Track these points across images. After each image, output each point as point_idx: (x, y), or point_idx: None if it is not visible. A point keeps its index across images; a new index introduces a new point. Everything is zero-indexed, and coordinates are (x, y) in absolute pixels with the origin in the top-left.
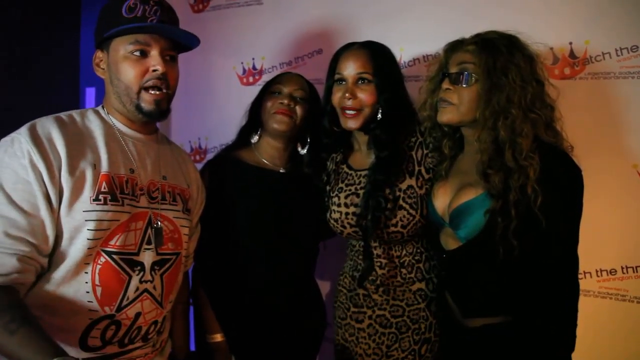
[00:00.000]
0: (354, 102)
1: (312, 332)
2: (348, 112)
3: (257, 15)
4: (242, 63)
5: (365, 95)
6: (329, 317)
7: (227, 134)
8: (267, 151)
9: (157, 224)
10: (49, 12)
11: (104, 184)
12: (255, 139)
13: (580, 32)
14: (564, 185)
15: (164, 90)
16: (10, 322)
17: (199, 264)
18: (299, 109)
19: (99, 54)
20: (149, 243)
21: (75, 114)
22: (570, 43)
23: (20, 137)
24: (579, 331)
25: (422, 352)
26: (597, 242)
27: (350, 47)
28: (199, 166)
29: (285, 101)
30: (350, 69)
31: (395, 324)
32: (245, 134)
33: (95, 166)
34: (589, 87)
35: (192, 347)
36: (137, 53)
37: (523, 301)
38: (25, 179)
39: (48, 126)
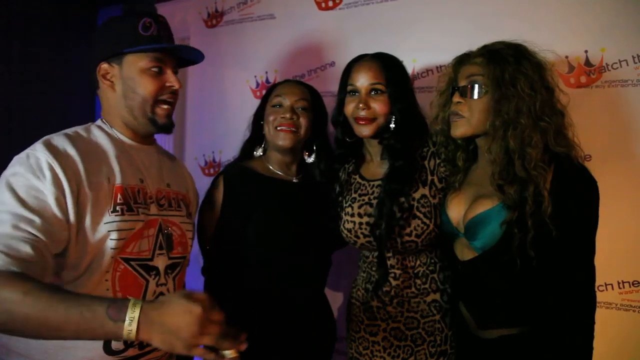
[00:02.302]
0: (368, 112)
1: (322, 345)
2: (361, 120)
3: (270, 29)
4: (255, 76)
5: (378, 106)
6: (340, 330)
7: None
8: (277, 162)
9: (168, 229)
10: (65, 18)
11: (119, 195)
12: (259, 152)
13: (596, 40)
14: (579, 196)
15: (174, 105)
16: (53, 293)
17: (211, 276)
18: (302, 120)
19: (106, 67)
20: (161, 248)
21: (80, 130)
22: (586, 51)
23: (37, 152)
24: (600, 345)
25: None
26: (619, 253)
27: (362, 59)
28: (212, 180)
29: (288, 115)
30: (362, 80)
31: (410, 337)
32: (249, 147)
33: (110, 179)
34: (605, 95)
35: None
36: (155, 69)
37: (539, 312)
38: (38, 188)
39: (62, 142)
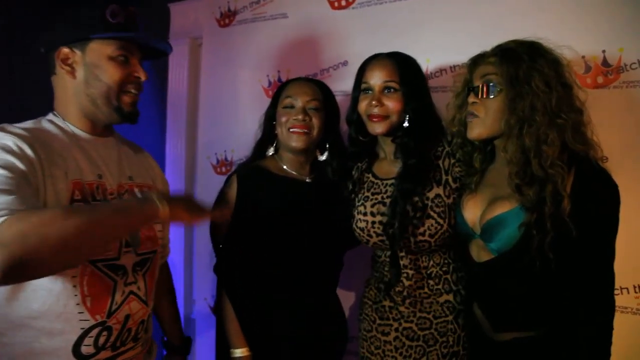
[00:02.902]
0: (381, 109)
1: (334, 345)
2: (375, 118)
3: (282, 29)
4: (267, 76)
5: (391, 103)
6: (352, 330)
7: (252, 146)
8: (290, 162)
9: None
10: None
11: (76, 191)
12: (271, 151)
13: (614, 40)
14: (599, 200)
15: (139, 95)
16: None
17: (223, 275)
18: (315, 121)
19: (67, 51)
20: (127, 246)
21: (29, 123)
22: (604, 51)
23: (2, 140)
24: (615, 349)
25: None
26: (635, 257)
27: (376, 57)
28: (224, 178)
29: (300, 117)
30: (376, 78)
31: (422, 337)
32: (262, 147)
33: (67, 174)
34: (623, 96)
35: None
36: (122, 58)
37: (556, 315)
38: (10, 160)
39: (17, 130)
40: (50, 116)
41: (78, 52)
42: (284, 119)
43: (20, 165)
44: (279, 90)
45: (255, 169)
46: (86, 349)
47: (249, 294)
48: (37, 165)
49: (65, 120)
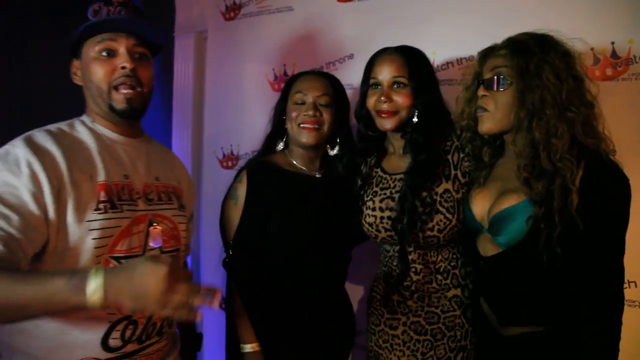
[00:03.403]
0: (390, 105)
1: (342, 339)
2: (384, 113)
3: (288, 22)
4: (273, 69)
5: (401, 99)
6: (360, 324)
7: (259, 140)
8: (300, 157)
9: (151, 224)
10: (66, 14)
11: (102, 193)
12: (280, 146)
13: (624, 32)
14: (608, 194)
15: (137, 89)
16: (12, 274)
17: (232, 269)
18: (325, 116)
19: (75, 63)
20: None
21: (63, 125)
22: (613, 43)
23: (16, 149)
24: (625, 344)
25: None
26: None
27: (384, 52)
28: (231, 173)
29: (311, 112)
30: (385, 73)
31: (430, 331)
32: (271, 141)
33: (92, 177)
34: (632, 88)
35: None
36: (105, 53)
37: (564, 310)
38: (14, 185)
39: (43, 139)
40: (83, 117)
41: (79, 61)
42: (294, 114)
43: (16, 183)
44: (289, 83)
45: (265, 164)
46: (114, 341)
47: (258, 289)
48: (51, 177)
49: (94, 122)
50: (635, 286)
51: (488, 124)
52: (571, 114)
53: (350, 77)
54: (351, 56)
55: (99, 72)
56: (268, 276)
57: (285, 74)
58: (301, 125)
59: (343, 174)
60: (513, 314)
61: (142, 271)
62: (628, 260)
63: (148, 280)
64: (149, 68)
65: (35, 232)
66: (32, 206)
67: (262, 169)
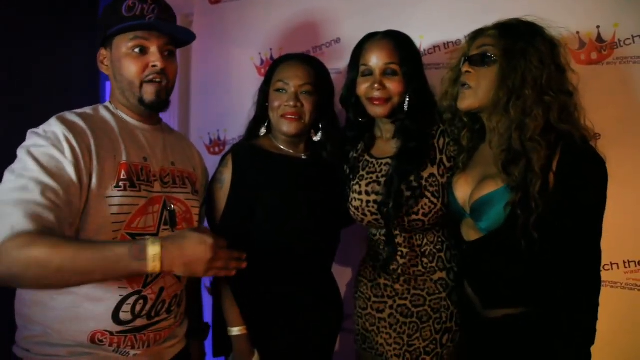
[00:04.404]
0: (383, 92)
1: (330, 323)
2: (376, 101)
3: (274, 6)
4: (259, 54)
5: (393, 86)
6: (347, 308)
7: (246, 125)
8: (284, 140)
9: (171, 206)
10: (68, 6)
11: (122, 172)
12: (263, 131)
13: (609, 15)
14: (584, 177)
15: (164, 83)
16: (78, 243)
17: None
18: (307, 106)
19: (103, 52)
20: (165, 224)
21: (88, 109)
22: (598, 27)
23: (52, 127)
24: (605, 324)
25: (444, 342)
26: (625, 233)
27: (373, 37)
28: (218, 159)
29: (292, 103)
30: (376, 59)
31: (416, 314)
32: (255, 126)
33: (115, 156)
34: (617, 72)
35: (210, 341)
36: (137, 50)
37: (543, 293)
38: (59, 159)
39: (74, 117)
40: (107, 103)
41: (109, 51)
42: (276, 104)
43: (60, 157)
44: (272, 68)
45: (250, 147)
46: (124, 315)
47: (246, 272)
48: (84, 151)
49: (117, 109)
50: (618, 267)
51: (469, 101)
52: (548, 98)
53: (338, 61)
54: (338, 40)
55: (132, 68)
56: (255, 259)
57: (271, 58)
58: (282, 116)
59: (329, 158)
60: (495, 297)
61: (194, 241)
62: (611, 242)
63: (199, 248)
64: (175, 63)
65: (76, 204)
66: (74, 178)
67: (247, 153)
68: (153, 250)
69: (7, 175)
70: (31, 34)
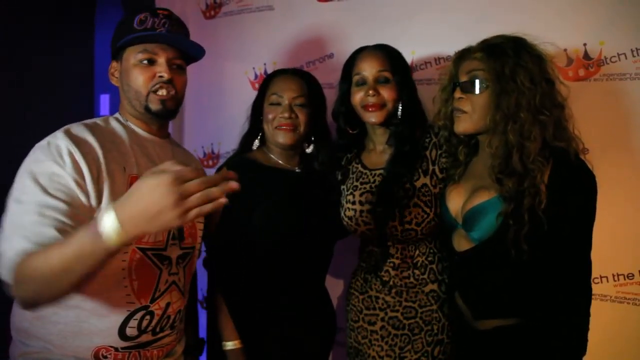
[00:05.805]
0: (377, 98)
1: (323, 336)
2: (371, 107)
3: (268, 21)
4: (253, 68)
5: (387, 92)
6: (339, 321)
7: (239, 138)
8: (278, 153)
9: None
10: (63, 21)
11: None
12: (256, 144)
13: (595, 33)
14: (575, 190)
15: (171, 93)
16: (51, 245)
17: (215, 268)
18: (301, 117)
19: (114, 64)
20: (173, 239)
21: (98, 120)
22: (585, 44)
23: (57, 140)
24: (595, 336)
25: (435, 354)
26: (614, 246)
27: (365, 49)
28: (212, 172)
29: (287, 114)
30: (370, 68)
31: (408, 326)
32: (248, 140)
33: (125, 169)
34: (604, 88)
35: (204, 356)
36: (146, 61)
37: (534, 304)
38: (60, 174)
39: (81, 131)
40: (117, 115)
41: (119, 63)
42: (270, 116)
43: (60, 172)
44: (265, 82)
45: (244, 160)
46: (130, 330)
47: (240, 286)
48: (91, 166)
49: (127, 120)
50: (607, 281)
51: (465, 125)
52: (544, 117)
53: (331, 76)
54: (331, 55)
55: (139, 79)
56: (248, 272)
57: (265, 73)
58: (277, 127)
59: (321, 168)
60: (485, 307)
61: (147, 187)
62: (601, 255)
63: (156, 193)
64: (183, 76)
65: (83, 218)
66: (78, 193)
67: (240, 166)
68: (107, 217)
69: (9, 202)
70: (27, 35)
